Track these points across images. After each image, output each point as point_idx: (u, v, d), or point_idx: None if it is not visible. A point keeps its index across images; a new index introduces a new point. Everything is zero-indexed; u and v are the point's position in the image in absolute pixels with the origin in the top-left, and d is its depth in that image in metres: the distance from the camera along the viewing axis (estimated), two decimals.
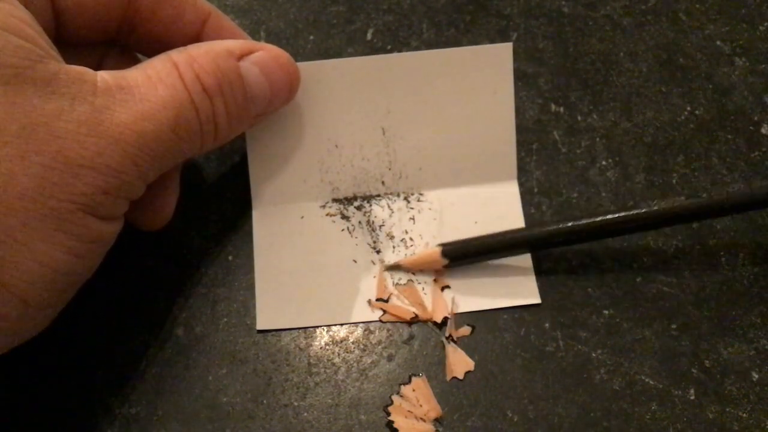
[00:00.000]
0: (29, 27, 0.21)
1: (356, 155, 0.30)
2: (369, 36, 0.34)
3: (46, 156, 0.20)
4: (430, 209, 0.30)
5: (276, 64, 0.26)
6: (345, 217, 0.30)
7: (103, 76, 0.22)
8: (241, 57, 0.25)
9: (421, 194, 0.30)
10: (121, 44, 0.27)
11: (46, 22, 0.23)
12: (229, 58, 0.25)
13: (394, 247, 0.29)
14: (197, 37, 0.27)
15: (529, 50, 0.34)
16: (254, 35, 0.34)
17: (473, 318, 0.28)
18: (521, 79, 0.33)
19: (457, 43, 0.34)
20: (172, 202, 0.28)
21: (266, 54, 0.26)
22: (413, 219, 0.29)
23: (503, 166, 0.30)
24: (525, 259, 0.29)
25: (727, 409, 0.26)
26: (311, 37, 0.34)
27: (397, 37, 0.34)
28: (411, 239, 0.29)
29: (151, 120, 0.22)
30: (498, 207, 0.30)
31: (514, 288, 0.28)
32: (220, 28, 0.27)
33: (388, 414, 0.26)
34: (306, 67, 0.28)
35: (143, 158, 0.22)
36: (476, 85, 0.29)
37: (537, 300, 0.28)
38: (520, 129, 0.31)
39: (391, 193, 0.30)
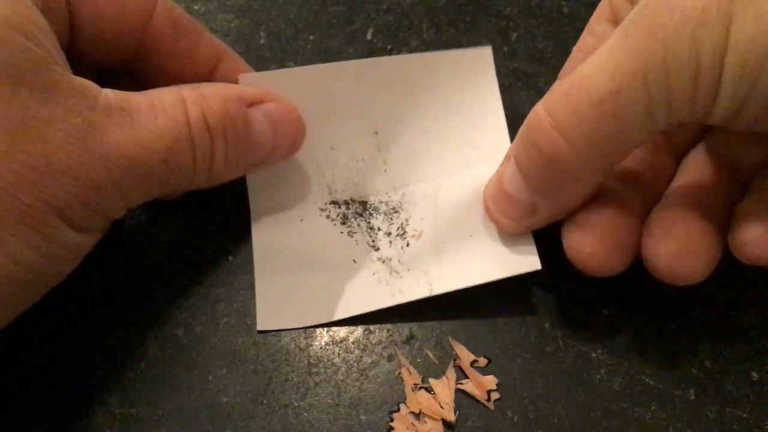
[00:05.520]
0: (41, 32, 0.22)
1: (351, 157, 0.30)
2: (369, 36, 0.34)
3: (29, 156, 0.21)
4: (425, 198, 0.30)
5: (285, 118, 0.27)
6: (343, 218, 0.30)
7: (108, 94, 0.23)
8: (252, 104, 0.26)
9: (417, 189, 0.30)
10: (131, 73, 0.27)
11: (61, 33, 0.24)
12: (239, 104, 0.25)
13: (390, 242, 0.29)
14: (210, 76, 0.27)
15: (529, 50, 0.34)
16: (254, 35, 0.34)
17: (473, 317, 0.28)
18: (521, 79, 0.33)
19: (457, 43, 0.34)
20: None
21: (277, 107, 0.27)
22: (410, 217, 0.29)
23: (499, 153, 0.29)
24: None
25: (727, 409, 0.26)
26: (311, 37, 0.34)
27: (397, 37, 0.34)
28: (411, 238, 0.29)
29: (143, 146, 0.23)
30: None
31: (511, 256, 0.27)
32: (234, 70, 0.27)
33: (391, 419, 0.26)
34: (300, 72, 0.28)
35: (127, 181, 0.23)
36: (460, 86, 0.29)
37: (537, 266, 0.26)
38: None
39: (387, 192, 0.30)
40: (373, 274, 0.28)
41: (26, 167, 0.21)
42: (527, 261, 0.27)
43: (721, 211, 0.25)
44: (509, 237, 0.27)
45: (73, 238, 0.23)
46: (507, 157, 0.26)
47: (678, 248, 0.23)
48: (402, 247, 0.29)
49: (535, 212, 0.25)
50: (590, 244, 0.24)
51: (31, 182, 0.21)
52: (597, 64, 0.21)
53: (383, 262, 0.29)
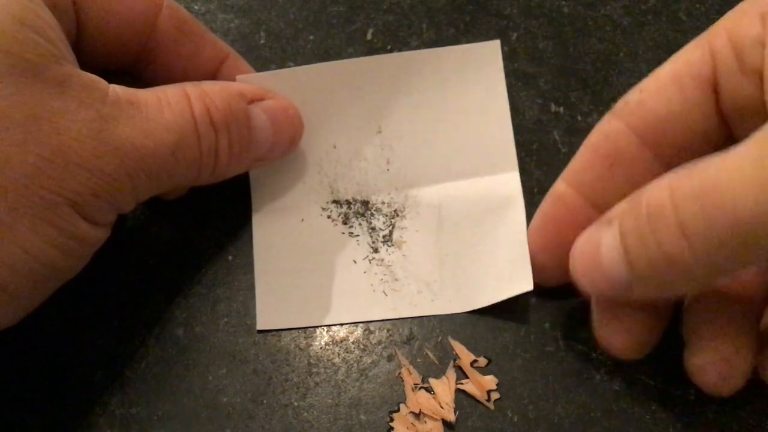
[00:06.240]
0: (51, 29, 0.22)
1: (354, 155, 0.30)
2: (369, 36, 0.34)
3: (45, 148, 0.21)
4: (429, 206, 0.30)
5: (283, 115, 0.28)
6: (345, 217, 0.30)
7: (115, 88, 0.23)
8: (252, 101, 0.27)
9: (419, 192, 0.30)
10: (133, 74, 0.27)
11: (67, 31, 0.24)
12: (240, 100, 0.26)
13: (391, 245, 0.29)
14: (212, 78, 0.28)
15: (529, 50, 0.34)
16: (254, 35, 0.34)
17: (472, 317, 0.28)
18: (521, 79, 0.33)
19: (456, 43, 0.34)
20: None
21: (276, 103, 0.27)
22: (413, 223, 0.29)
23: (502, 158, 0.30)
24: (520, 242, 0.27)
25: (727, 409, 0.26)
26: (311, 37, 0.34)
27: (397, 37, 0.34)
28: (413, 244, 0.29)
29: (152, 139, 0.23)
30: (499, 198, 0.29)
31: (507, 279, 0.27)
32: (236, 71, 0.28)
33: (391, 419, 0.26)
34: (300, 71, 0.29)
35: (138, 172, 0.23)
36: (468, 82, 0.29)
37: (529, 287, 0.26)
38: (520, 129, 0.31)
39: (389, 192, 0.30)
40: (374, 275, 0.28)
41: (42, 159, 0.21)
42: (521, 283, 0.27)
43: (756, 321, 0.25)
44: (507, 257, 0.28)
45: (88, 231, 0.23)
46: (607, 221, 0.23)
47: (727, 370, 0.24)
48: (404, 254, 0.29)
49: (627, 289, 0.23)
50: (621, 342, 0.25)
51: (46, 175, 0.21)
52: (739, 176, 0.19)
53: (383, 265, 0.29)
